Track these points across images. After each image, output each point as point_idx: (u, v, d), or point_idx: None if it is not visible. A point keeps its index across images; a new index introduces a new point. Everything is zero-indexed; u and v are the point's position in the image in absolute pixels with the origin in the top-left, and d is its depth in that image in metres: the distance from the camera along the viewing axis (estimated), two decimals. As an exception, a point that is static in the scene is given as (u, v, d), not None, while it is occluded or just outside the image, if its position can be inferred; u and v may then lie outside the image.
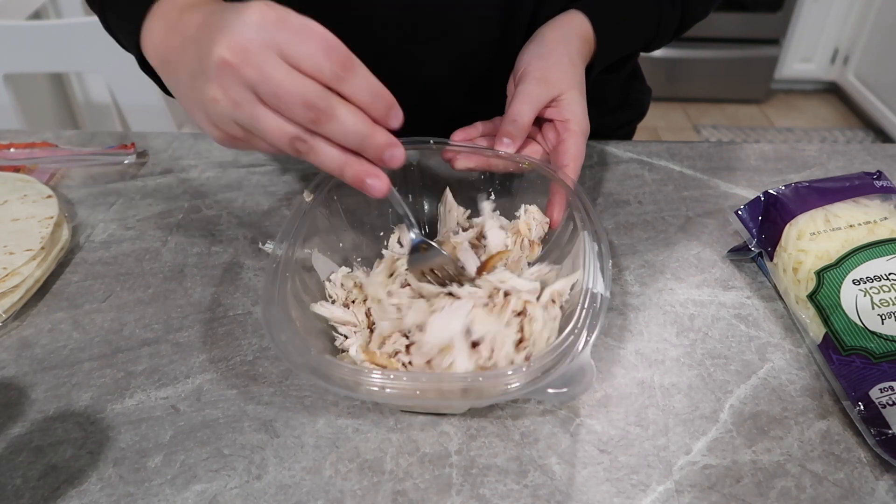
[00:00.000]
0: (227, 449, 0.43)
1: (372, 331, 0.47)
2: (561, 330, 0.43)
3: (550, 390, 0.38)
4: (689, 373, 0.48)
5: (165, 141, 0.75)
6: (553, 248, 0.54)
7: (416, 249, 0.48)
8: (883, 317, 0.46)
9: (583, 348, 0.39)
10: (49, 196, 0.61)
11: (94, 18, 1.15)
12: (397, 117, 0.41)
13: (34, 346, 0.50)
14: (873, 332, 0.46)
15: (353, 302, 0.49)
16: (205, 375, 0.48)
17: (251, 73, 0.37)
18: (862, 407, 0.44)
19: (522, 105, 0.54)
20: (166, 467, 0.42)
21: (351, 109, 0.39)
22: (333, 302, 0.49)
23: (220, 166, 0.70)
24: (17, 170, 0.67)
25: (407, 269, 0.49)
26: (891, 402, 0.42)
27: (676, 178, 0.69)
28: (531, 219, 0.54)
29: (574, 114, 0.55)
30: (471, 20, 0.65)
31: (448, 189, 0.57)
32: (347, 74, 0.38)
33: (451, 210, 0.57)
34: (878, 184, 0.56)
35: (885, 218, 0.53)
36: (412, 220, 0.48)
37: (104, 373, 0.48)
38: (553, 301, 0.46)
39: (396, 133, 0.43)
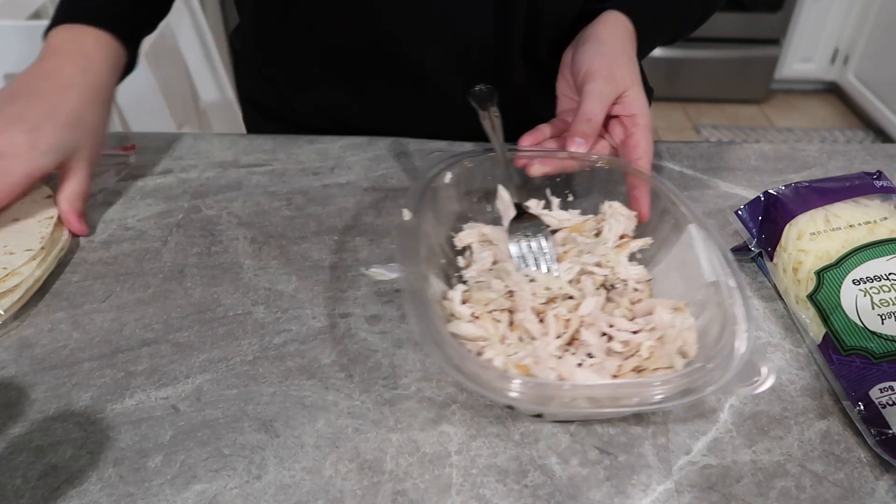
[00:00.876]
0: (227, 449, 0.43)
1: (503, 343, 0.47)
2: (708, 331, 0.44)
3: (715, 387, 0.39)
4: (689, 373, 0.48)
5: (165, 141, 0.75)
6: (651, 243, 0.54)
7: (518, 217, 0.54)
8: (883, 317, 0.46)
9: (746, 341, 0.40)
10: (49, 196, 0.61)
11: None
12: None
13: (34, 346, 0.50)
14: (873, 332, 0.46)
15: (478, 317, 0.48)
16: (205, 375, 0.48)
17: None
18: (862, 407, 0.44)
19: (595, 104, 0.55)
20: (166, 467, 0.42)
21: None
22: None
23: (220, 166, 0.70)
24: (17, 170, 0.68)
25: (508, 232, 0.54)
26: (891, 402, 0.42)
27: (676, 178, 0.69)
28: (617, 214, 0.55)
29: (640, 108, 0.56)
30: (466, 15, 0.65)
31: (500, 186, 0.57)
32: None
33: (508, 208, 0.56)
34: (878, 184, 0.56)
35: (885, 218, 0.53)
36: (516, 194, 0.55)
37: (104, 373, 0.48)
38: (679, 308, 0.46)
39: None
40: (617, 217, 0.54)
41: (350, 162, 0.71)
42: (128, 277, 0.56)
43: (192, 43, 1.57)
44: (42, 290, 0.55)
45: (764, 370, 0.39)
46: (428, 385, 0.47)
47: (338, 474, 0.42)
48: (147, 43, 1.25)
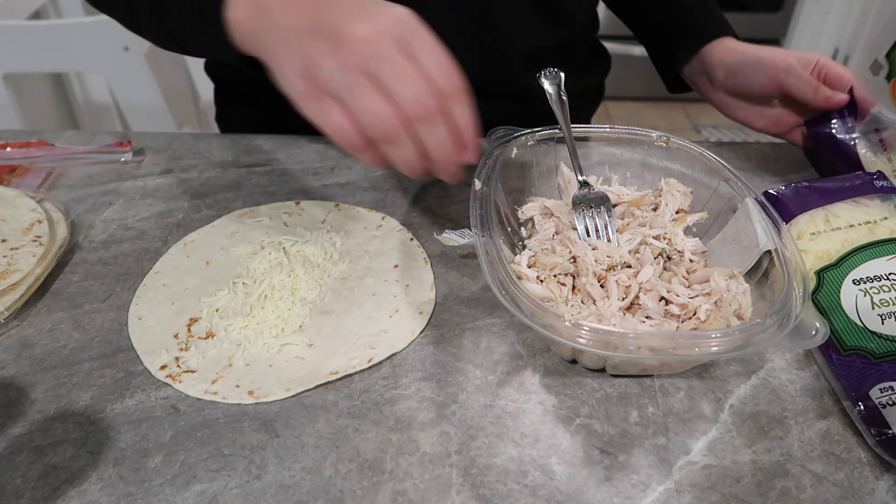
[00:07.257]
0: (227, 449, 0.43)
1: (567, 304, 0.49)
2: (763, 296, 0.47)
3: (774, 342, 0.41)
4: (689, 372, 0.48)
5: (165, 141, 0.75)
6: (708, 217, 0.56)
7: (580, 191, 0.57)
8: (883, 317, 0.46)
9: (800, 302, 0.43)
10: (33, 210, 0.60)
11: (94, 18, 1.15)
12: (475, 154, 0.45)
13: (34, 346, 0.50)
14: (873, 332, 0.46)
15: (543, 280, 0.50)
16: (205, 375, 0.48)
17: (381, 50, 0.39)
18: (862, 407, 0.44)
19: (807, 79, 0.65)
20: (166, 467, 0.42)
21: (450, 124, 0.42)
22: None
23: (220, 166, 0.70)
24: (13, 169, 0.68)
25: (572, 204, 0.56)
26: (891, 402, 0.42)
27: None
28: (674, 191, 0.57)
29: (811, 56, 0.66)
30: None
31: (562, 163, 0.60)
32: (459, 96, 0.41)
33: (570, 182, 0.59)
34: (878, 184, 0.56)
35: (885, 218, 0.53)
36: (581, 170, 0.58)
37: (104, 373, 0.48)
38: (734, 275, 0.48)
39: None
40: (673, 193, 0.57)
41: (350, 162, 0.71)
42: (128, 277, 0.56)
43: (192, 43, 1.57)
44: (42, 290, 0.55)
45: (818, 325, 0.41)
46: (428, 385, 0.47)
47: (338, 474, 0.42)
48: (147, 43, 1.26)
